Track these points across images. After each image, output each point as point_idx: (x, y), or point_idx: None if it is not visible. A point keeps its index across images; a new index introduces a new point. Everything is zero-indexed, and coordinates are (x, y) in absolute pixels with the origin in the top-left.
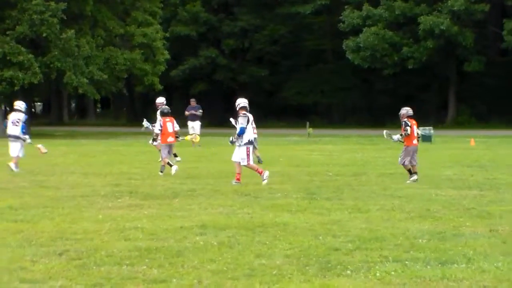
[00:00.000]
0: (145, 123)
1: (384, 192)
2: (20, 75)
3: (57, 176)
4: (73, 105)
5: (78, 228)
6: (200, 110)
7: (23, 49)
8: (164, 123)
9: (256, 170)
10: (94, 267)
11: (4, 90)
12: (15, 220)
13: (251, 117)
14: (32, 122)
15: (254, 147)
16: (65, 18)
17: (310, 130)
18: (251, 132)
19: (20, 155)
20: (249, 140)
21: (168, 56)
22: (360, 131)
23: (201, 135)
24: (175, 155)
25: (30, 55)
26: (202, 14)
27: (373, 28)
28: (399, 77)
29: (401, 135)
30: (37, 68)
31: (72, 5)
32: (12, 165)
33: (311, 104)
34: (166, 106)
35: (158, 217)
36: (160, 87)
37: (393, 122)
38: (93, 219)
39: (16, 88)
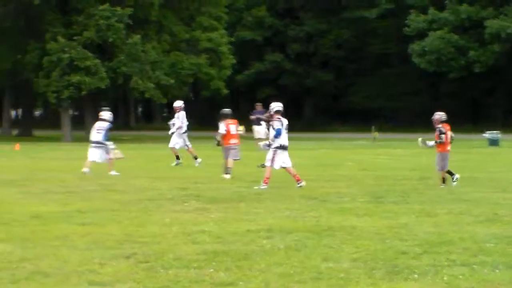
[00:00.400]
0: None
1: (451, 196)
2: (87, 80)
3: (124, 180)
4: (140, 109)
5: (145, 231)
6: (266, 114)
7: (90, 54)
8: (227, 125)
9: (266, 176)
10: (162, 270)
11: (72, 94)
12: (84, 223)
13: (285, 121)
14: None
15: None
16: (131, 23)
17: (376, 134)
18: (284, 137)
19: (99, 160)
20: (280, 145)
21: (233, 61)
22: (425, 135)
23: (267, 139)
24: (196, 158)
25: (97, 60)
26: (267, 18)
27: (438, 32)
28: (465, 81)
29: (435, 142)
30: (103, 73)
31: (138, 11)
32: (86, 170)
33: (376, 108)
34: (228, 109)
35: (225, 221)
36: (225, 91)
37: (459, 125)
38: (160, 222)
39: (83, 92)
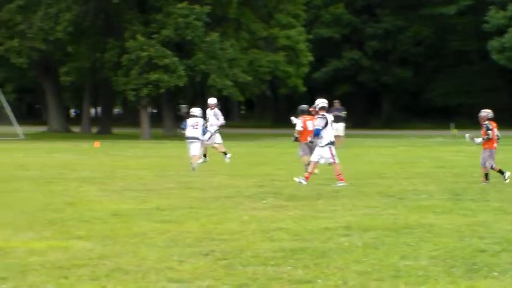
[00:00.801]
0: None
1: None
2: (165, 78)
3: (202, 178)
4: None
5: (223, 228)
6: (344, 112)
7: (168, 52)
8: (305, 121)
9: (337, 175)
10: (240, 268)
11: (150, 92)
12: (162, 221)
13: (330, 118)
14: (178, 124)
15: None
16: (209, 21)
17: (455, 131)
18: (331, 133)
19: (196, 153)
20: (330, 141)
21: (311, 58)
22: (506, 132)
23: (345, 136)
24: (205, 155)
25: (175, 58)
26: (345, 16)
27: None
28: None
29: (483, 138)
30: (182, 71)
31: (216, 9)
32: (194, 164)
33: (455, 105)
34: (305, 105)
35: (303, 218)
36: (303, 89)
37: None
38: (238, 220)
39: (161, 90)
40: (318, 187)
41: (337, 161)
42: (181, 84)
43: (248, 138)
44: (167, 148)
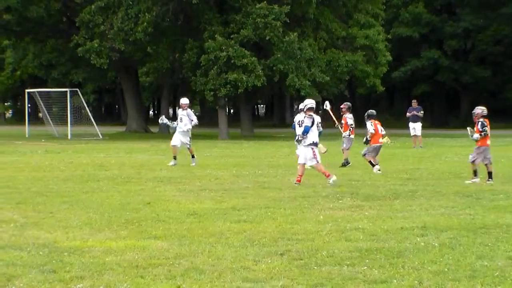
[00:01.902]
0: (163, 119)
1: None
2: (244, 77)
3: (279, 177)
4: (296, 107)
5: (299, 228)
6: (422, 111)
7: (246, 52)
8: (375, 124)
9: (323, 172)
10: (315, 267)
11: (228, 92)
12: (238, 221)
13: (317, 118)
14: (255, 124)
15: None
16: (288, 21)
17: None
18: (316, 134)
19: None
20: (313, 142)
21: (390, 58)
22: None
23: (423, 136)
24: (193, 156)
25: (254, 58)
26: (424, 15)
27: None
28: None
29: (480, 134)
30: (260, 71)
31: (295, 8)
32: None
33: None
34: (373, 110)
35: (379, 218)
36: (381, 88)
37: None
38: (314, 219)
39: (240, 90)
40: (395, 187)
41: (319, 161)
42: (259, 84)
43: (326, 137)
44: (244, 148)
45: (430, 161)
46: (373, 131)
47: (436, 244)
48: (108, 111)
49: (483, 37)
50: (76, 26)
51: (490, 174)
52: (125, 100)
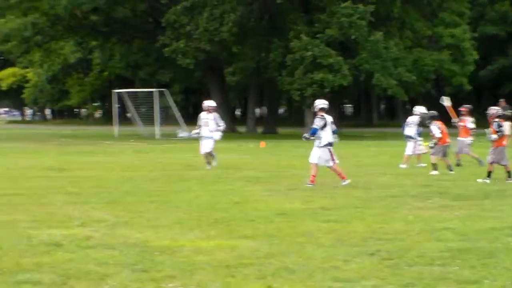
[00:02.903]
0: (181, 133)
1: None
2: (330, 77)
3: (367, 177)
4: (382, 106)
5: (388, 228)
6: (510, 110)
7: (332, 51)
8: (441, 124)
9: (338, 174)
10: (406, 267)
11: (314, 92)
12: (328, 221)
13: (329, 119)
14: (342, 123)
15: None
16: (373, 20)
17: None
18: (330, 134)
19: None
20: (328, 142)
21: (476, 57)
22: None
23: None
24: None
25: (339, 58)
26: (511, 13)
27: None
28: None
29: (498, 135)
30: (346, 71)
31: (380, 7)
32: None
33: None
34: (435, 111)
35: (469, 218)
36: (468, 87)
37: None
38: (403, 219)
39: (325, 90)
40: (484, 186)
41: (336, 161)
42: (345, 83)
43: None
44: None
45: None
46: (440, 135)
47: None
48: (195, 111)
49: None
50: (162, 27)
51: (507, 172)
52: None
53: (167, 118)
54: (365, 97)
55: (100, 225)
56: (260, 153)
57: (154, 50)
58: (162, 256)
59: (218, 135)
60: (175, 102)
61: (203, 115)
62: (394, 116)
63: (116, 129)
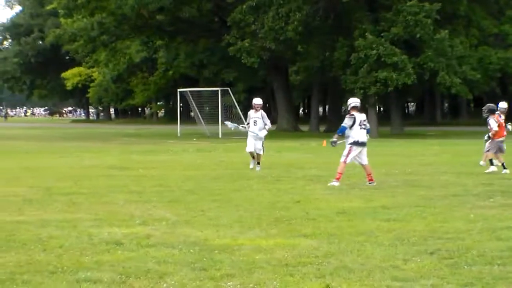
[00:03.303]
0: (229, 124)
1: None
2: (394, 75)
3: (429, 176)
4: (446, 105)
5: (449, 227)
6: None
7: (397, 50)
8: (497, 119)
9: (338, 172)
10: (465, 267)
11: (378, 90)
12: (388, 219)
13: (360, 117)
14: (405, 122)
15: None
16: (438, 18)
17: None
18: (358, 133)
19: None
20: (354, 141)
21: None
22: None
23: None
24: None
25: (404, 56)
26: None
27: None
28: None
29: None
30: (410, 69)
31: (446, 5)
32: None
33: None
34: (493, 104)
35: None
36: None
37: None
38: (464, 218)
39: (389, 89)
40: None
41: (348, 161)
42: (409, 82)
43: (477, 135)
44: (394, 146)
45: None
46: (497, 129)
47: None
48: None
49: None
50: (227, 26)
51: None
52: (275, 99)
53: (231, 117)
54: (429, 96)
55: (161, 223)
56: (323, 152)
57: (219, 49)
58: (221, 255)
59: (263, 133)
60: (238, 101)
61: (252, 113)
62: (457, 114)
63: (179, 128)
